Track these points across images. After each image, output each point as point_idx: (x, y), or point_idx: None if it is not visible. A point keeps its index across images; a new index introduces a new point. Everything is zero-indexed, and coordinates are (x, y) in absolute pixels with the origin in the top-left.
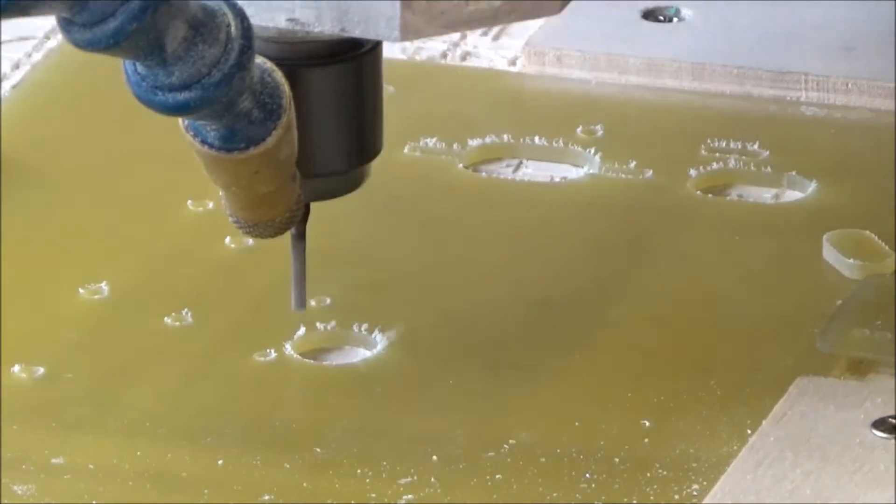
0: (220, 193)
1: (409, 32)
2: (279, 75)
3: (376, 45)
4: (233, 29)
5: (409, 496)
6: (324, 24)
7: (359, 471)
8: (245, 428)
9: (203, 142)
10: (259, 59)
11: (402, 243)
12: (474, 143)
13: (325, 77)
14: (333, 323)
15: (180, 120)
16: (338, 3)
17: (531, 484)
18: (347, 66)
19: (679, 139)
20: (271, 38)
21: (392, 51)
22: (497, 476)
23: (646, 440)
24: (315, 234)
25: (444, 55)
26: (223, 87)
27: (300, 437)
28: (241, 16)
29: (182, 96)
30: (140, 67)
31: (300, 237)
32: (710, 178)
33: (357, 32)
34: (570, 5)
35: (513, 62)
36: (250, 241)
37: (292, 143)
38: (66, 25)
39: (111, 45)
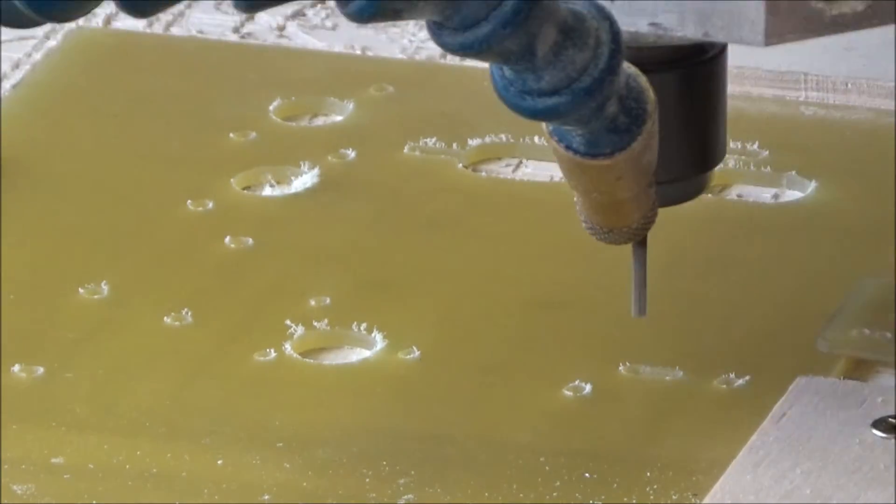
0: (576, 199)
1: (773, 36)
2: (643, 80)
3: (721, 51)
4: (602, 33)
5: (409, 496)
6: (686, 28)
7: (359, 471)
8: (245, 428)
9: (568, 147)
10: (624, 64)
11: (402, 243)
12: (474, 142)
13: (676, 82)
14: (328, 322)
15: (544, 125)
16: (701, 6)
17: (531, 484)
18: (696, 70)
19: None
20: None
21: (392, 50)
22: (497, 476)
23: (646, 440)
24: (315, 233)
25: (444, 55)
26: (593, 91)
27: (300, 437)
28: (610, 20)
29: (551, 101)
30: (508, 72)
31: (641, 244)
32: None
33: (720, 37)
34: None
35: None
36: (250, 240)
37: (654, 149)
38: (436, 29)
39: (483, 49)
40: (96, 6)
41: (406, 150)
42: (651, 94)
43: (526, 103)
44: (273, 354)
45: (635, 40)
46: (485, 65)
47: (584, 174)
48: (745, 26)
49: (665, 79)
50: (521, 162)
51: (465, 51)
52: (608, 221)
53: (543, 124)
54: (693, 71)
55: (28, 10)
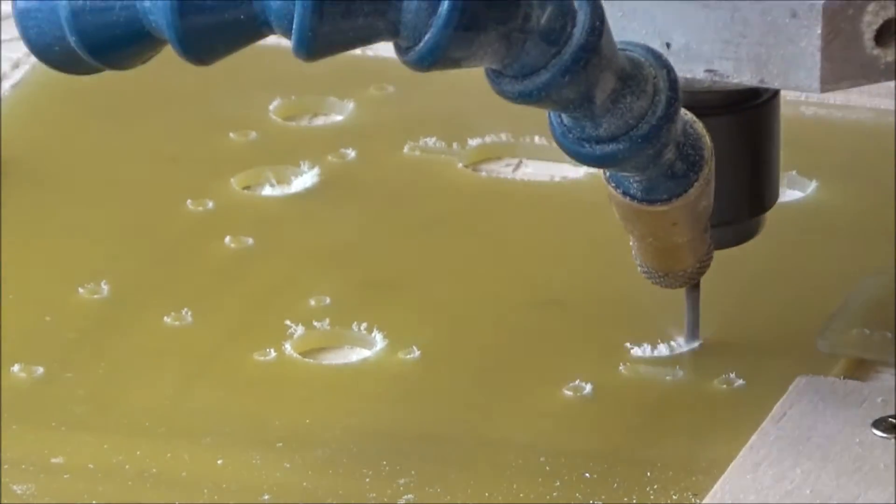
0: (631, 243)
1: (828, 83)
2: (700, 126)
3: (773, 95)
4: (660, 81)
5: (409, 496)
6: (742, 75)
7: (359, 471)
8: (245, 428)
9: (625, 193)
10: (681, 110)
11: (402, 243)
12: (474, 142)
13: (730, 126)
14: (328, 322)
15: (602, 171)
16: (757, 53)
17: (531, 484)
18: (750, 115)
19: None
20: None
21: (392, 50)
22: (497, 476)
23: (646, 440)
24: (315, 233)
25: None
26: (650, 139)
27: (300, 437)
28: (668, 67)
29: (609, 148)
30: (566, 119)
31: (695, 287)
32: None
33: (776, 84)
34: None
35: None
36: (250, 240)
37: (710, 195)
38: (495, 77)
39: (542, 97)
40: (155, 54)
41: (406, 150)
42: (708, 141)
43: (584, 150)
44: (273, 354)
45: (689, 85)
46: None
47: (640, 220)
48: (802, 73)
49: (719, 123)
50: (521, 162)
51: (524, 98)
52: (664, 266)
53: (602, 171)
54: (747, 115)
55: (88, 57)
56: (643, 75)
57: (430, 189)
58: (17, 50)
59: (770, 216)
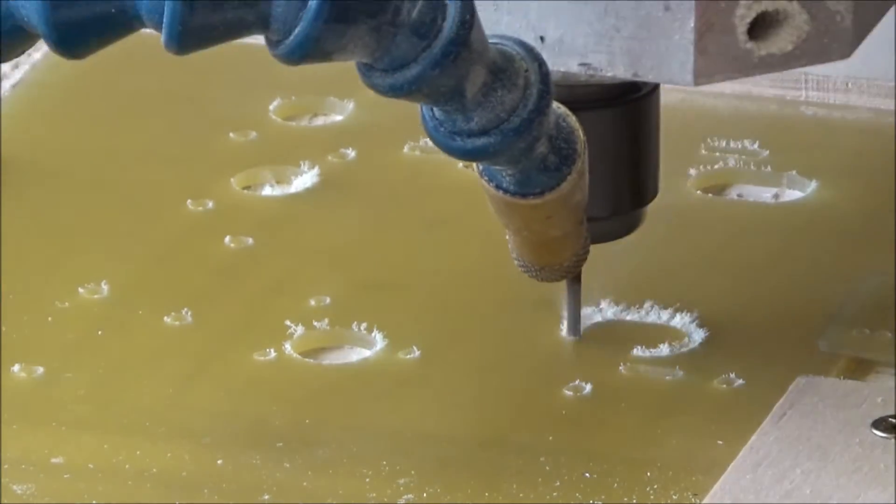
0: (508, 237)
1: (702, 76)
2: (573, 120)
3: (654, 90)
4: (532, 74)
5: (409, 496)
6: (616, 68)
7: (359, 471)
8: (245, 428)
9: (498, 187)
10: (553, 104)
11: (402, 243)
12: None
13: (607, 120)
14: (328, 322)
15: (475, 165)
16: (630, 47)
17: (531, 484)
18: (627, 109)
19: (679, 138)
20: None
21: None
22: (497, 476)
23: (646, 440)
24: (315, 233)
25: None
26: (522, 132)
27: (300, 437)
28: (539, 61)
29: (480, 142)
30: (438, 112)
31: (576, 280)
32: (710, 178)
33: (650, 77)
34: None
35: None
36: (250, 240)
37: (584, 189)
38: (366, 71)
39: (412, 90)
40: (29, 48)
41: (406, 149)
42: (581, 135)
43: (456, 144)
44: (273, 354)
45: (566, 79)
46: None
47: (514, 213)
48: (675, 66)
49: (598, 116)
50: None
51: (394, 92)
52: (540, 259)
53: (475, 164)
54: (626, 109)
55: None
56: (514, 69)
57: (430, 189)
58: None
59: (770, 216)
